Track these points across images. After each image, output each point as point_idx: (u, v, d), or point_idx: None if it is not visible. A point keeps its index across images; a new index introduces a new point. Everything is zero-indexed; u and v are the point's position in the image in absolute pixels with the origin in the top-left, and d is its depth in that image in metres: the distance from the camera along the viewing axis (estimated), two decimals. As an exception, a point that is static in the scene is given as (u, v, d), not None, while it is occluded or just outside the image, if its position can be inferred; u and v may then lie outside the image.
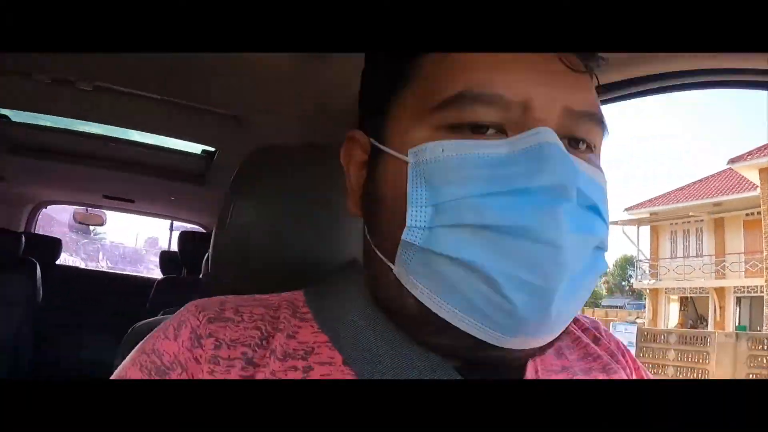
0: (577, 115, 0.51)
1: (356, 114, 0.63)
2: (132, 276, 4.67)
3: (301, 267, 0.80)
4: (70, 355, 3.60)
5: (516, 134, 0.49)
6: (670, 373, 13.35)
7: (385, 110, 0.55)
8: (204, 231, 4.31)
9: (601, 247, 0.51)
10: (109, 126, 2.41)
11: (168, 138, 2.46)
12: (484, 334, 0.49)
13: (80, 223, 5.68)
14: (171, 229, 5.74)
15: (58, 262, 4.26)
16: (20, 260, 3.44)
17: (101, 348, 3.18)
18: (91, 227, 6.57)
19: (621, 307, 26.26)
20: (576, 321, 0.69)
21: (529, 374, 0.57)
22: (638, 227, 18.77)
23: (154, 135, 2.47)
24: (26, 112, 2.36)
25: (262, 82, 1.52)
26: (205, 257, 1.36)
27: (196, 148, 2.53)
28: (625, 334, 13.92)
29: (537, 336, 0.50)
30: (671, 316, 16.71)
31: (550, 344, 0.53)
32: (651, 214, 17.89)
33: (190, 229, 4.45)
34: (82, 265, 5.35)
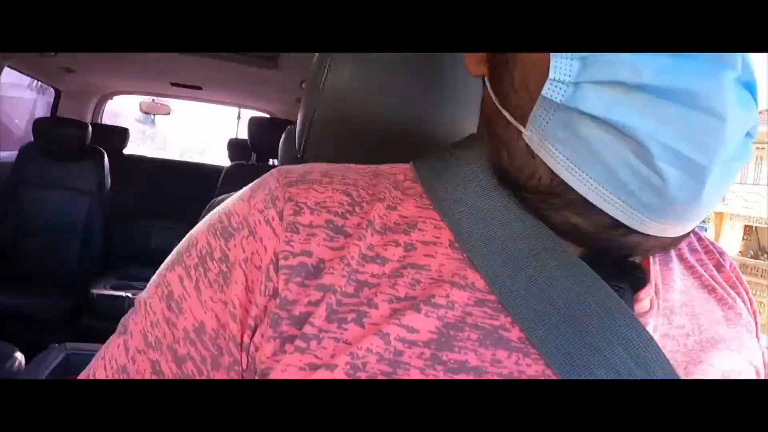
0: None
1: None
2: (200, 164, 4.67)
3: (410, 141, 0.70)
4: (140, 241, 3.77)
5: None
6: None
7: None
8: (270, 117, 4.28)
9: (751, 134, 0.45)
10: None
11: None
12: (624, 214, 0.44)
13: (146, 113, 5.76)
14: (239, 117, 5.75)
15: (125, 151, 4.31)
16: (88, 149, 3.46)
17: (171, 233, 3.28)
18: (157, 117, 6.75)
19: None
20: (699, 239, 0.63)
21: (652, 277, 0.52)
22: None
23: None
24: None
25: None
26: (280, 143, 1.26)
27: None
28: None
29: (680, 222, 0.45)
30: (733, 243, 16.37)
31: (681, 238, 0.48)
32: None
33: (258, 116, 4.38)
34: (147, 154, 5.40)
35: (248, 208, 0.49)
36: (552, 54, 0.43)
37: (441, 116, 0.73)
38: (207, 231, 0.51)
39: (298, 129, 0.77)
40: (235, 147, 4.49)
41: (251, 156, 3.75)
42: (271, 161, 3.50)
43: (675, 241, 0.48)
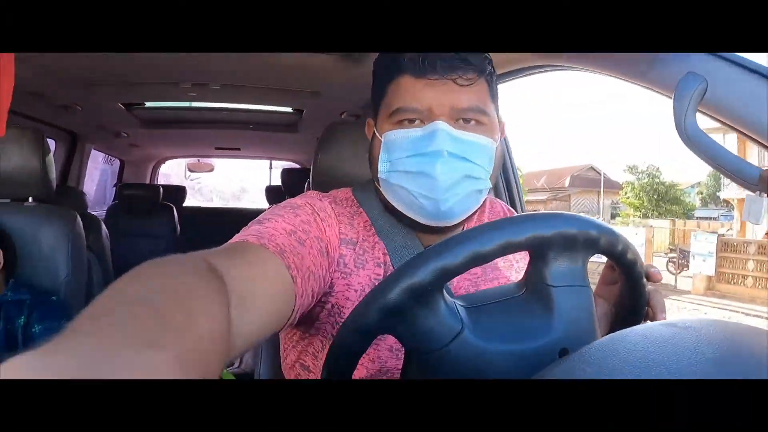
0: (461, 109, 0.88)
1: None
2: (245, 208, 5.58)
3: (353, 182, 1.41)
4: None
5: (425, 125, 0.88)
6: (749, 283, 13.46)
7: (378, 112, 0.97)
8: (299, 166, 5.07)
9: (472, 177, 0.89)
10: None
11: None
12: (419, 217, 0.93)
13: (192, 171, 6.52)
14: (270, 167, 6.47)
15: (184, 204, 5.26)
16: (160, 205, 4.41)
17: None
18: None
19: (714, 219, 25.47)
20: (493, 208, 1.13)
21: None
22: (723, 135, 18.53)
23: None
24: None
25: (326, 74, 2.23)
26: (306, 185, 2.03)
27: (288, 108, 3.27)
28: (705, 243, 14.10)
29: (440, 221, 0.92)
30: (758, 228, 16.53)
31: (459, 224, 0.95)
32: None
33: (288, 166, 5.18)
34: (201, 205, 6.27)
35: (304, 199, 0.95)
36: (380, 154, 0.92)
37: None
38: (284, 218, 0.88)
39: (309, 183, 1.57)
40: (271, 192, 5.33)
41: (285, 198, 4.53)
42: None
43: (451, 229, 0.94)
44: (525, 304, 0.71)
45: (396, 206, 0.94)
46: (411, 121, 0.90)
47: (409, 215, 0.93)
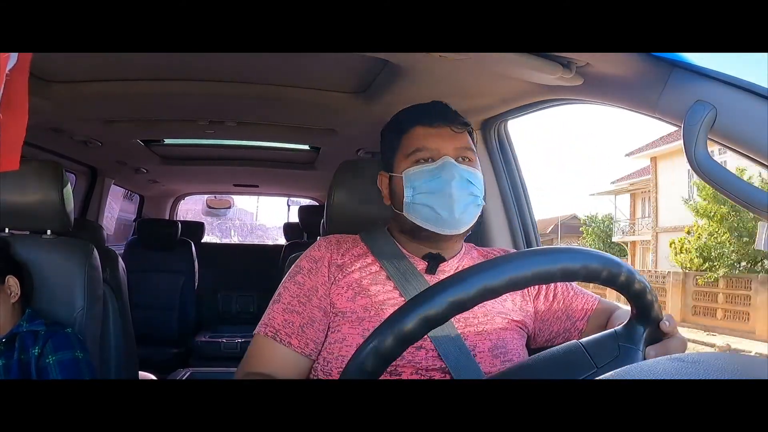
0: (460, 149, 1.22)
1: None
2: (262, 245, 5.60)
3: (365, 223, 1.45)
4: (222, 307, 4.73)
5: (437, 161, 1.21)
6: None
7: (392, 161, 1.28)
8: (316, 203, 5.12)
9: (475, 195, 1.22)
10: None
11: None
12: (435, 228, 1.20)
13: (211, 207, 6.47)
14: (288, 204, 6.51)
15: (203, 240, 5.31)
16: (179, 241, 4.45)
17: (246, 299, 4.49)
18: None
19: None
20: (488, 252, 1.39)
21: (455, 261, 1.30)
22: (615, 196, 26.71)
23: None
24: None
25: (341, 111, 2.28)
26: (321, 223, 2.07)
27: (305, 145, 3.32)
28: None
29: (454, 228, 1.20)
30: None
31: (462, 234, 1.25)
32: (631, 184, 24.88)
33: (306, 204, 5.27)
34: (219, 241, 6.31)
35: (321, 253, 1.27)
36: (405, 193, 1.22)
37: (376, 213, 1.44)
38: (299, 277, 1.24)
39: (324, 221, 1.61)
40: (289, 228, 5.40)
41: (303, 235, 4.47)
42: (318, 238, 4.22)
43: (459, 237, 1.25)
44: None
45: (419, 223, 1.21)
46: (424, 159, 1.22)
47: (429, 228, 1.20)
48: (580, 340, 0.85)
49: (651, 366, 0.48)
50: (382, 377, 0.69)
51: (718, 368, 0.45)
